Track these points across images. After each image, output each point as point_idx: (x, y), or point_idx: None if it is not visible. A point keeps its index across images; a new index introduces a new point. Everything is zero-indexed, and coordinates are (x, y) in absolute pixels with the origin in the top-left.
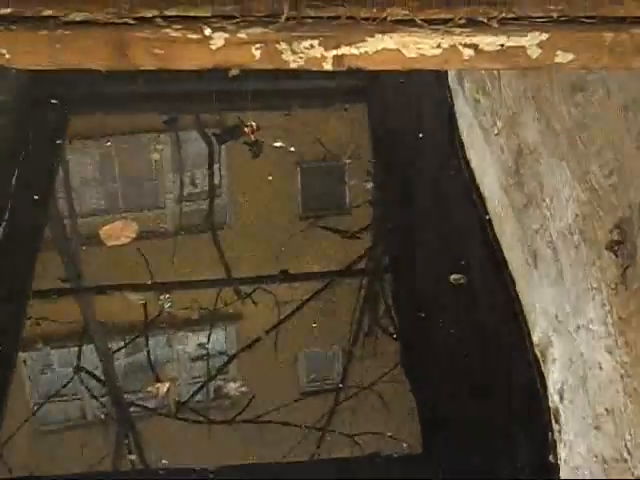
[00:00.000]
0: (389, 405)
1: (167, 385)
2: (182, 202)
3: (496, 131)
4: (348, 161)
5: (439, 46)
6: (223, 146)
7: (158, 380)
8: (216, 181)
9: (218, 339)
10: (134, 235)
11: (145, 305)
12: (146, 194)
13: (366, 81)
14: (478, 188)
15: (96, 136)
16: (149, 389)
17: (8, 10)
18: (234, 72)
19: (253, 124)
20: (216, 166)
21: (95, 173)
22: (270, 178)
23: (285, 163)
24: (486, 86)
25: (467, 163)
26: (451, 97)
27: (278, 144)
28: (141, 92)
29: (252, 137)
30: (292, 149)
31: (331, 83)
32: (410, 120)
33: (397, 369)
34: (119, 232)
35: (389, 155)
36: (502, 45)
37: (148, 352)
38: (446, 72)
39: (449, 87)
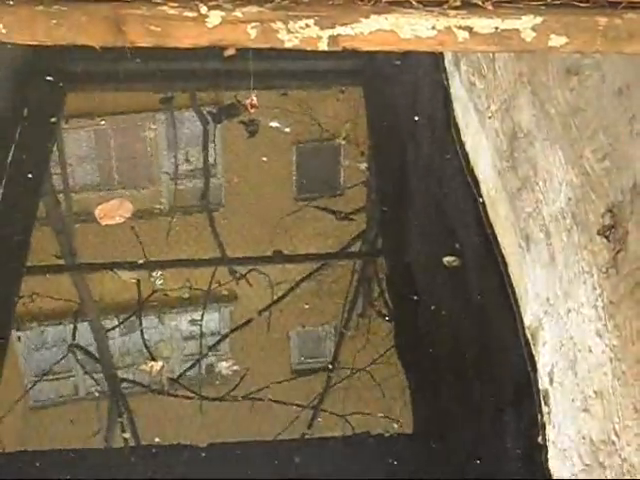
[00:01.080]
0: (381, 386)
1: (160, 364)
2: (177, 181)
3: (491, 114)
4: (343, 142)
5: (434, 28)
6: (219, 125)
7: (152, 359)
8: (211, 160)
9: (212, 319)
10: (129, 215)
11: (138, 284)
12: (141, 172)
13: (363, 63)
14: (472, 171)
15: (92, 114)
16: (142, 367)
17: None
18: (230, 52)
19: (254, 98)
20: (211, 145)
21: (91, 151)
22: (265, 159)
23: (281, 143)
24: (482, 69)
25: (462, 146)
26: (447, 80)
27: (274, 124)
28: (137, 70)
29: (251, 111)
30: (288, 130)
31: (328, 64)
32: (406, 102)
33: (390, 350)
34: (114, 211)
35: (384, 137)
36: (496, 28)
37: (142, 330)
38: (443, 55)
39: (445, 70)
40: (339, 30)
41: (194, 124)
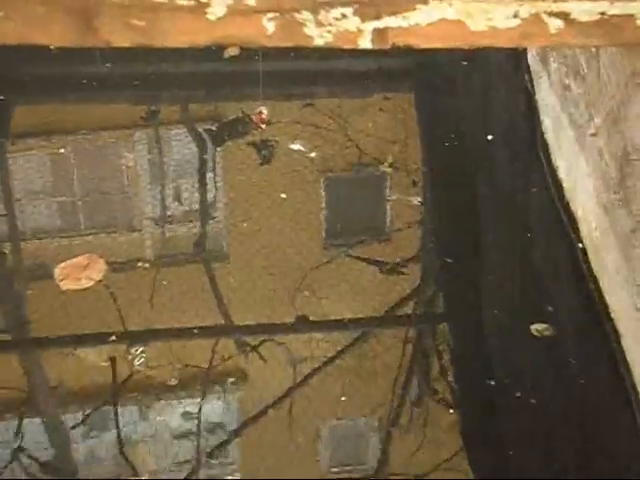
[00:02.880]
0: None
1: None
2: (164, 224)
3: (593, 129)
4: (389, 169)
5: (516, 15)
6: (220, 148)
7: (132, 470)
8: (210, 196)
9: (213, 409)
10: (99, 277)
11: (113, 363)
12: (115, 213)
13: (415, 60)
14: (568, 206)
15: (48, 134)
16: None
17: None
18: (233, 51)
19: (263, 110)
20: (210, 175)
21: (46, 184)
22: (284, 195)
23: (305, 172)
24: (580, 68)
25: (553, 173)
26: (531, 83)
27: (295, 146)
28: (110, 75)
29: (262, 127)
30: (313, 154)
31: (367, 64)
32: (474, 115)
33: (456, 453)
34: (79, 272)
35: (444, 162)
36: (603, 13)
37: (117, 428)
38: (525, 48)
39: (528, 69)
40: (387, 21)
41: (187, 147)
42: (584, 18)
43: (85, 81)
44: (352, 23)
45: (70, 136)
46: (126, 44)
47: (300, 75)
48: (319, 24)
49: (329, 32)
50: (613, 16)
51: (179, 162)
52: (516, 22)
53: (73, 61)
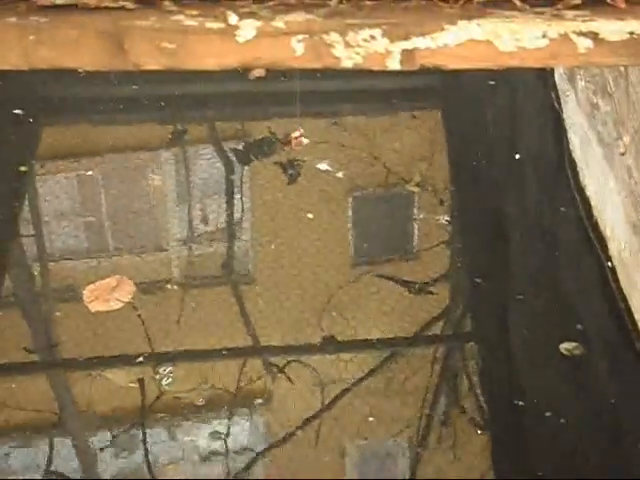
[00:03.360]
0: None
1: None
2: (191, 245)
3: (622, 148)
4: (416, 189)
5: (545, 36)
6: (247, 167)
7: None
8: (237, 216)
9: (240, 430)
10: (129, 298)
11: (141, 384)
12: (142, 233)
13: (442, 78)
14: (597, 226)
15: (75, 156)
16: None
17: None
18: (258, 72)
19: (300, 132)
20: (237, 195)
21: (74, 206)
22: (310, 215)
23: (332, 192)
24: (608, 86)
25: (581, 192)
26: (559, 101)
27: (322, 166)
28: (136, 95)
29: (296, 149)
30: (340, 174)
31: (394, 82)
32: (502, 133)
33: (485, 473)
34: (109, 293)
35: (473, 180)
36: (632, 33)
37: (146, 450)
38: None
39: (556, 87)
40: (415, 42)
41: (214, 166)
42: (613, 38)
43: (111, 101)
44: (380, 44)
45: (97, 158)
46: (156, 67)
47: (326, 93)
48: (347, 45)
49: (357, 54)
50: None
51: (206, 182)
52: (545, 42)
53: (99, 81)
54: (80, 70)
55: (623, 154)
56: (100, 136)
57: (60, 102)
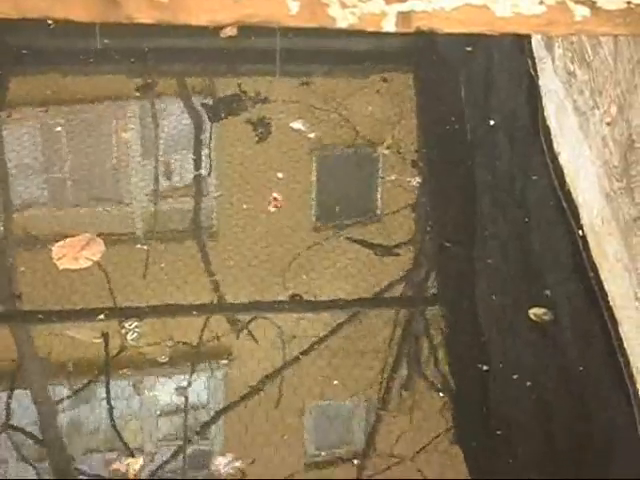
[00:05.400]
0: None
1: (140, 461)
2: (157, 200)
3: (598, 116)
4: (386, 151)
5: (542, 2)
6: (217, 124)
7: (130, 453)
8: (205, 172)
9: (202, 387)
10: (98, 257)
11: (105, 338)
12: (107, 187)
13: (414, 40)
14: (569, 194)
15: (40, 106)
16: (114, 466)
17: None
18: (230, 31)
19: (277, 197)
20: (205, 152)
21: (39, 156)
22: (280, 174)
23: (301, 152)
24: (585, 53)
25: (555, 159)
26: (534, 68)
27: (294, 125)
28: (104, 47)
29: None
30: (312, 135)
31: (366, 43)
32: (476, 98)
33: (445, 436)
34: (78, 251)
35: (443, 145)
36: (629, 2)
37: (109, 403)
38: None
39: (532, 54)
40: (412, 4)
41: (182, 121)
42: (610, 6)
43: (79, 52)
44: (376, 6)
45: (63, 108)
46: (149, 20)
47: (298, 53)
48: (343, 5)
49: (353, 14)
50: (638, 6)
51: (174, 137)
52: (542, 9)
53: (67, 32)
54: (49, 22)
55: (609, 124)
56: (69, 87)
57: (29, 53)
